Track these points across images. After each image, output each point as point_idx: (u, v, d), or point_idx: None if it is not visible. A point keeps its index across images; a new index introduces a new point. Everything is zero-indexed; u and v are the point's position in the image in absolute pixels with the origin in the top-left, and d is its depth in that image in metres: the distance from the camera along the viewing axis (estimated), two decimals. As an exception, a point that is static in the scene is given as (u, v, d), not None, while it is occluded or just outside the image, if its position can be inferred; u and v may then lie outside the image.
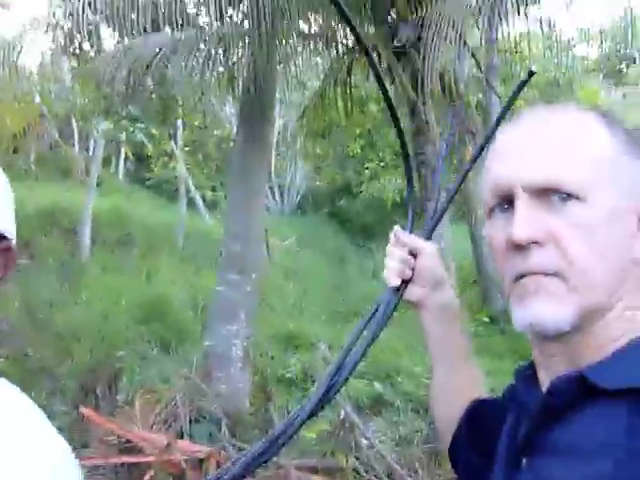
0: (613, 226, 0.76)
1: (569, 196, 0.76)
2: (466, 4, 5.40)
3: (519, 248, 0.77)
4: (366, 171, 16.93)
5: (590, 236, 0.75)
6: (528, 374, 0.88)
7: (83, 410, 5.00)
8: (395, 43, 5.72)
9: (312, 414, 1.01)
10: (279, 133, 19.70)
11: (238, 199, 6.37)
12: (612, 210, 0.76)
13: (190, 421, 5.15)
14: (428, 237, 1.16)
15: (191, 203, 16.88)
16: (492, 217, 0.83)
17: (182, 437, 4.98)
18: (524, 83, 1.08)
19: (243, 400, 5.75)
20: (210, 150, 14.07)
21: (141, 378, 6.58)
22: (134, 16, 5.98)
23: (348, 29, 6.05)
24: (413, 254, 1.11)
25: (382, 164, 16.09)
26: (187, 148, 14.56)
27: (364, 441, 4.65)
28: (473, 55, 6.75)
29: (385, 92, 1.25)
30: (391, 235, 1.14)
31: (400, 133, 1.25)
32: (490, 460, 0.90)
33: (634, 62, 22.66)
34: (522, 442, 0.81)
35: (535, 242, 0.76)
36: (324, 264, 14.84)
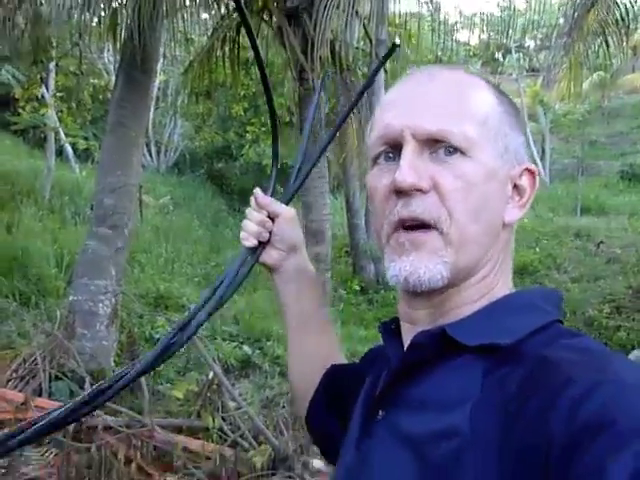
0: (491, 186, 0.79)
1: (455, 150, 0.78)
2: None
3: (401, 194, 0.78)
4: (247, 135, 16.74)
5: (470, 191, 0.77)
6: (392, 328, 0.89)
7: None
8: (287, 5, 5.66)
9: (144, 372, 0.97)
10: (159, 89, 19.05)
11: (113, 150, 6.10)
12: (492, 170, 0.79)
13: (50, 379, 4.92)
14: (287, 201, 1.16)
15: (60, 153, 16.00)
16: (376, 166, 0.84)
17: (41, 395, 4.76)
18: (388, 55, 1.10)
19: (108, 358, 5.58)
20: (85, 99, 13.32)
21: (-3, 333, 6.22)
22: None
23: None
24: (271, 217, 1.12)
25: (264, 129, 15.97)
26: (60, 94, 13.70)
27: (231, 403, 4.65)
28: (364, 26, 6.80)
29: (255, 46, 1.20)
30: (251, 198, 1.14)
31: (267, 90, 1.21)
32: (346, 422, 0.91)
33: (510, 52, 23.88)
34: (380, 394, 0.82)
35: (418, 189, 0.77)
36: (199, 226, 14.60)
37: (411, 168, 0.77)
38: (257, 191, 1.14)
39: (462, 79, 0.83)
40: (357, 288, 11.15)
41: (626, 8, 7.74)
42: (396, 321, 0.89)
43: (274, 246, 1.12)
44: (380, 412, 0.81)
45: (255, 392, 5.88)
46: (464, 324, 0.78)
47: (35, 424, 0.90)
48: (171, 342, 0.99)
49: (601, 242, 12.88)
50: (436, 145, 0.78)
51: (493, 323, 0.77)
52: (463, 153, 0.78)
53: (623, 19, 7.70)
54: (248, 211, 1.13)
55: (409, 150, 0.78)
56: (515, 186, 0.83)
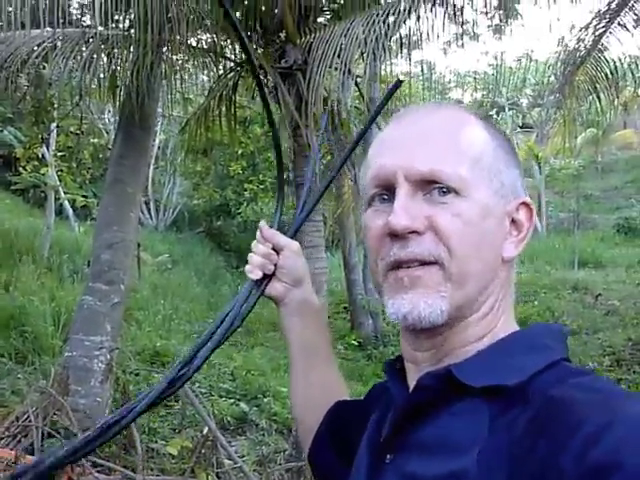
0: (488, 223, 0.79)
1: (449, 190, 0.77)
2: (353, 35, 5.56)
3: (396, 238, 0.77)
4: (245, 193, 16.88)
5: (468, 229, 0.77)
6: (397, 368, 0.88)
7: None
8: (282, 64, 5.79)
9: (152, 405, 0.97)
10: (159, 148, 19.32)
11: (111, 206, 6.14)
12: (488, 207, 0.79)
13: (43, 436, 4.85)
14: (292, 235, 1.17)
15: (60, 212, 16.10)
16: (371, 207, 0.83)
17: (33, 453, 4.67)
18: (393, 91, 1.10)
19: (101, 415, 5.49)
20: (85, 158, 13.50)
21: (-10, 391, 6.14)
22: (11, 9, 5.69)
23: (238, 45, 6.07)
24: (276, 250, 1.13)
25: (262, 186, 16.12)
26: (60, 154, 13.89)
27: (226, 461, 4.57)
28: (357, 84, 6.95)
29: (263, 94, 1.27)
30: (257, 231, 1.15)
31: (272, 126, 1.27)
32: (349, 459, 0.90)
33: (504, 110, 24.34)
34: (386, 438, 0.81)
35: (413, 232, 0.77)
36: (196, 283, 14.58)
37: (404, 210, 0.76)
38: (262, 224, 1.15)
39: (454, 116, 0.84)
40: (355, 343, 11.07)
41: (615, 64, 7.93)
42: (401, 360, 0.88)
43: (279, 279, 1.13)
44: (388, 456, 0.80)
45: (251, 449, 5.78)
46: (469, 364, 0.77)
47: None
48: (178, 375, 0.99)
49: (599, 294, 12.88)
50: (429, 186, 0.78)
51: (499, 363, 0.76)
52: (457, 193, 0.77)
53: (613, 74, 7.87)
54: (254, 244, 1.13)
55: (402, 193, 0.78)
56: (513, 221, 0.82)
